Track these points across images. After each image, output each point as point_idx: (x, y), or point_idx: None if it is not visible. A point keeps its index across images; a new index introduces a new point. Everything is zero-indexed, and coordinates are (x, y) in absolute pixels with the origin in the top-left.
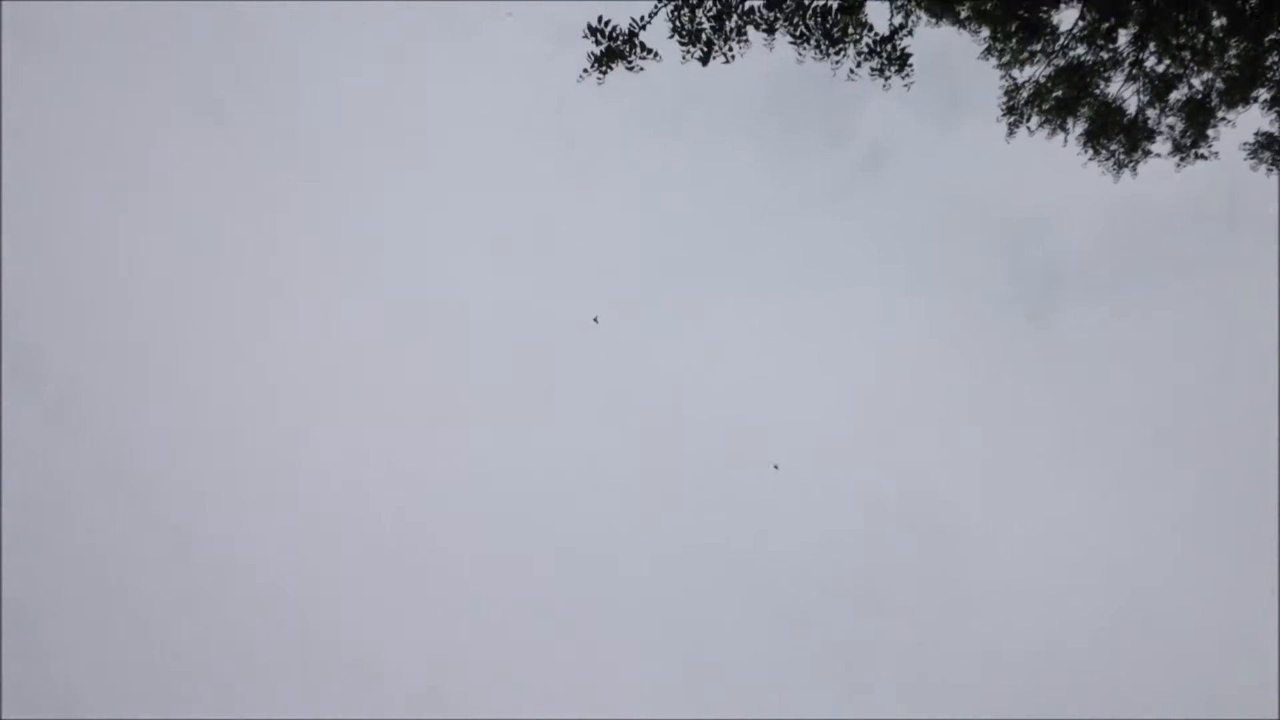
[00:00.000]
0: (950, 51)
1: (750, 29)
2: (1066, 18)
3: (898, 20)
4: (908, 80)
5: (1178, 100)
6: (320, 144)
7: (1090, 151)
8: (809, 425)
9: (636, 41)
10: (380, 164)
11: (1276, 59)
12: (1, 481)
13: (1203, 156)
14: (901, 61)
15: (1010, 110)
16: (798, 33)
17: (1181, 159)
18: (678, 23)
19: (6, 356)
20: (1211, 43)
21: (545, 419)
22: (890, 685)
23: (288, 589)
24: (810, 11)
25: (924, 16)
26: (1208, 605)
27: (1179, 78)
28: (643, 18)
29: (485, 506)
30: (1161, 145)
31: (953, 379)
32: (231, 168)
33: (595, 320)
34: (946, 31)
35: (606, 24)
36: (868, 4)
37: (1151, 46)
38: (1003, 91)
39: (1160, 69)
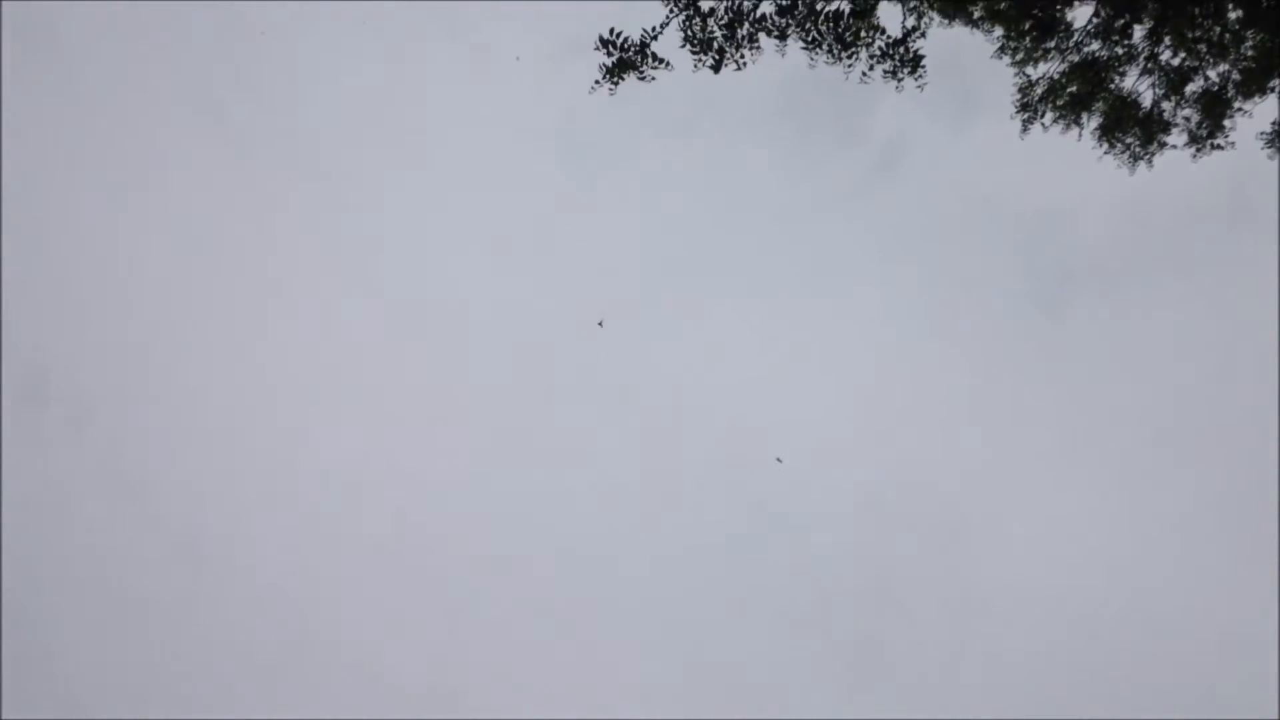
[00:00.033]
0: (963, 51)
1: (762, 36)
2: (1080, 14)
3: (910, 22)
4: (921, 82)
5: (1194, 92)
6: (320, 144)
7: (1105, 145)
8: (813, 425)
9: (648, 52)
10: (380, 164)
11: None
12: (1, 480)
13: (1219, 147)
14: (914, 63)
15: (1024, 107)
16: (810, 38)
17: (1198, 150)
18: (689, 32)
19: (6, 356)
20: (1228, 35)
21: (545, 419)
22: (890, 685)
23: (287, 589)
24: (822, 17)
25: (936, 18)
26: (1208, 605)
27: (1195, 70)
28: (654, 28)
29: (485, 506)
30: (1177, 137)
31: (964, 378)
32: (231, 168)
33: (600, 324)
34: (959, 31)
35: (618, 35)
36: (880, 7)
37: (1167, 40)
38: (1016, 89)
39: (1176, 62)
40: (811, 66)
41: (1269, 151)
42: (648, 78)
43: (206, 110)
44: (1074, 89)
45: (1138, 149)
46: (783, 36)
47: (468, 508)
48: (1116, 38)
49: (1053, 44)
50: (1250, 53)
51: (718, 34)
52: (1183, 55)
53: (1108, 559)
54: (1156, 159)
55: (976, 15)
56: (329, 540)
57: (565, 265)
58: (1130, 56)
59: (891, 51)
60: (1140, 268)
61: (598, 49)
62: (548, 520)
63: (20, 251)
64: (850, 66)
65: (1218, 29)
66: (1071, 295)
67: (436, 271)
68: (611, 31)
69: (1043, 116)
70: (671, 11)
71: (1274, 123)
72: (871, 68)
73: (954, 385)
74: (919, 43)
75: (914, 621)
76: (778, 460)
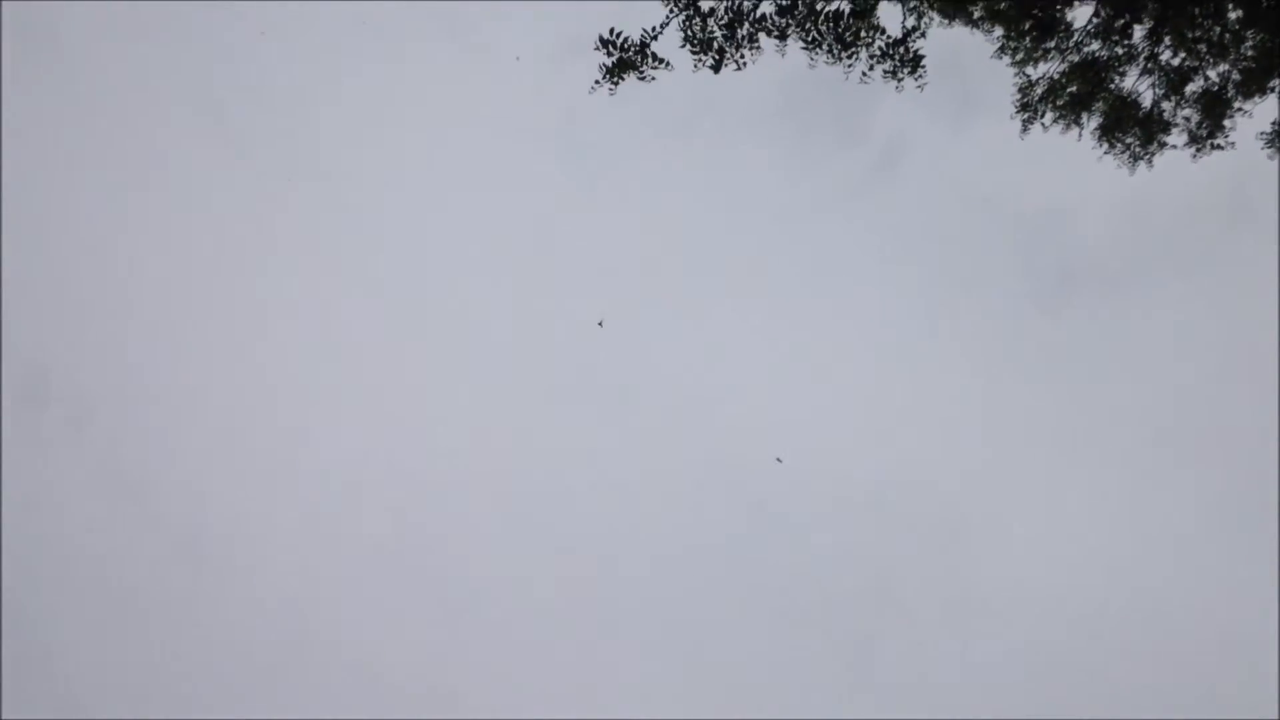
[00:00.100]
0: (962, 51)
1: (762, 36)
2: (1080, 14)
3: (910, 22)
4: (921, 82)
5: (1194, 92)
6: (320, 144)
7: (1105, 145)
8: (813, 425)
9: (648, 52)
10: (380, 164)
11: None
12: (1, 480)
13: (1219, 147)
14: (914, 63)
15: (1024, 107)
16: (810, 38)
17: (1198, 150)
18: (689, 32)
19: (6, 356)
20: (1228, 35)
21: (545, 419)
22: (891, 685)
23: (287, 589)
24: (822, 17)
25: (936, 18)
26: (1208, 605)
27: (1195, 70)
28: (654, 28)
29: (485, 506)
30: (1177, 137)
31: (964, 378)
32: (231, 167)
33: (600, 324)
34: (959, 31)
35: (618, 35)
36: (879, 7)
37: (1167, 40)
38: (1016, 89)
39: (1176, 62)
40: (811, 66)
41: (1269, 151)
42: (648, 78)
43: (206, 110)
44: (1074, 89)
45: (1138, 149)
46: (783, 36)
47: (468, 508)
48: (1116, 38)
49: (1053, 44)
50: (1250, 53)
51: (718, 34)
52: (1183, 55)
53: (1108, 559)
54: (1156, 159)
55: (976, 15)
56: (329, 540)
57: (565, 265)
58: (1130, 56)
59: (891, 51)
60: (1140, 267)
61: (598, 49)
62: (548, 520)
63: (20, 251)
64: (850, 66)
65: (1218, 29)
66: (1071, 295)
67: (436, 271)
68: (611, 31)
69: (1043, 116)
70: (671, 11)
71: (1274, 123)
72: (871, 68)
73: (954, 385)
74: (919, 43)
75: (914, 621)
76: (778, 460)
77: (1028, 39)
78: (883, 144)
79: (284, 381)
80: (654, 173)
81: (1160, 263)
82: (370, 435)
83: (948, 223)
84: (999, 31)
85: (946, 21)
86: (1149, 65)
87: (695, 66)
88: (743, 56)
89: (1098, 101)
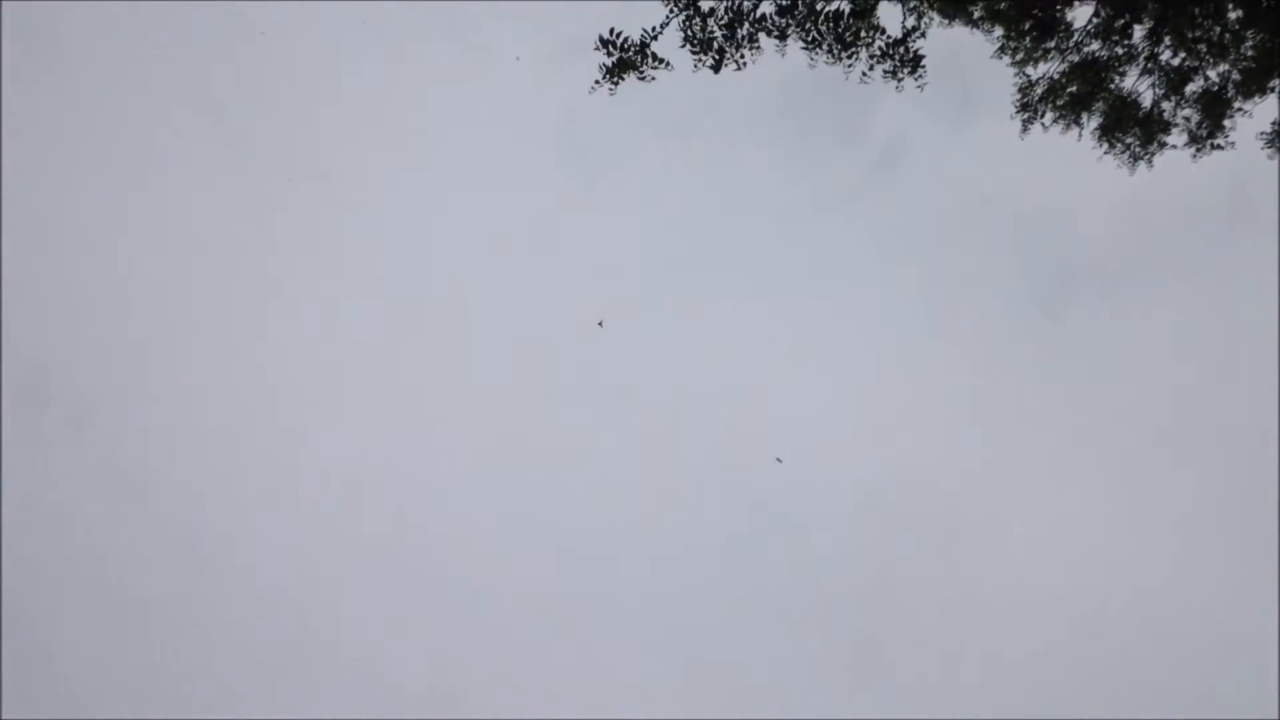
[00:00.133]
0: (962, 51)
1: (762, 36)
2: (1080, 14)
3: (910, 22)
4: (921, 82)
5: (1194, 92)
6: (320, 144)
7: (1105, 145)
8: (813, 425)
9: (648, 52)
10: (380, 164)
11: None
12: (1, 480)
13: (1219, 147)
14: (914, 63)
15: (1024, 107)
16: (810, 38)
17: (1198, 150)
18: (689, 32)
19: (6, 356)
20: (1228, 35)
21: (545, 419)
22: (891, 685)
23: (287, 589)
24: (822, 17)
25: (936, 18)
26: (1208, 605)
27: (1195, 70)
28: (654, 28)
29: (485, 506)
30: (1177, 137)
31: (964, 378)
32: (231, 168)
33: (600, 324)
34: (959, 31)
35: (618, 35)
36: (879, 7)
37: (1167, 40)
38: (1016, 89)
39: (1176, 62)
40: (811, 67)
41: (1269, 151)
42: (648, 78)
43: (206, 110)
44: (1074, 89)
45: (1138, 149)
46: (783, 36)
47: (468, 508)
48: (1116, 38)
49: (1053, 44)
50: (1250, 53)
51: (718, 34)
52: (1183, 55)
53: (1108, 559)
54: (1156, 159)
55: (976, 15)
56: (329, 540)
57: (565, 265)
58: (1130, 56)
59: (891, 51)
60: (1140, 268)
61: (597, 49)
62: (548, 520)
63: (20, 251)
64: (850, 66)
65: (1218, 29)
66: (1071, 295)
67: (436, 271)
68: (611, 31)
69: (1043, 116)
70: (671, 11)
71: (1274, 123)
72: (871, 68)
73: (954, 385)
74: (919, 43)
75: (914, 621)
76: (778, 460)
77: (1028, 39)
78: (883, 144)
79: (284, 381)
80: (654, 173)
81: (1160, 263)
82: (370, 435)
83: (948, 223)
84: (999, 31)
85: (946, 21)
86: (1149, 65)
87: (695, 67)
88: (743, 57)
89: (1098, 101)
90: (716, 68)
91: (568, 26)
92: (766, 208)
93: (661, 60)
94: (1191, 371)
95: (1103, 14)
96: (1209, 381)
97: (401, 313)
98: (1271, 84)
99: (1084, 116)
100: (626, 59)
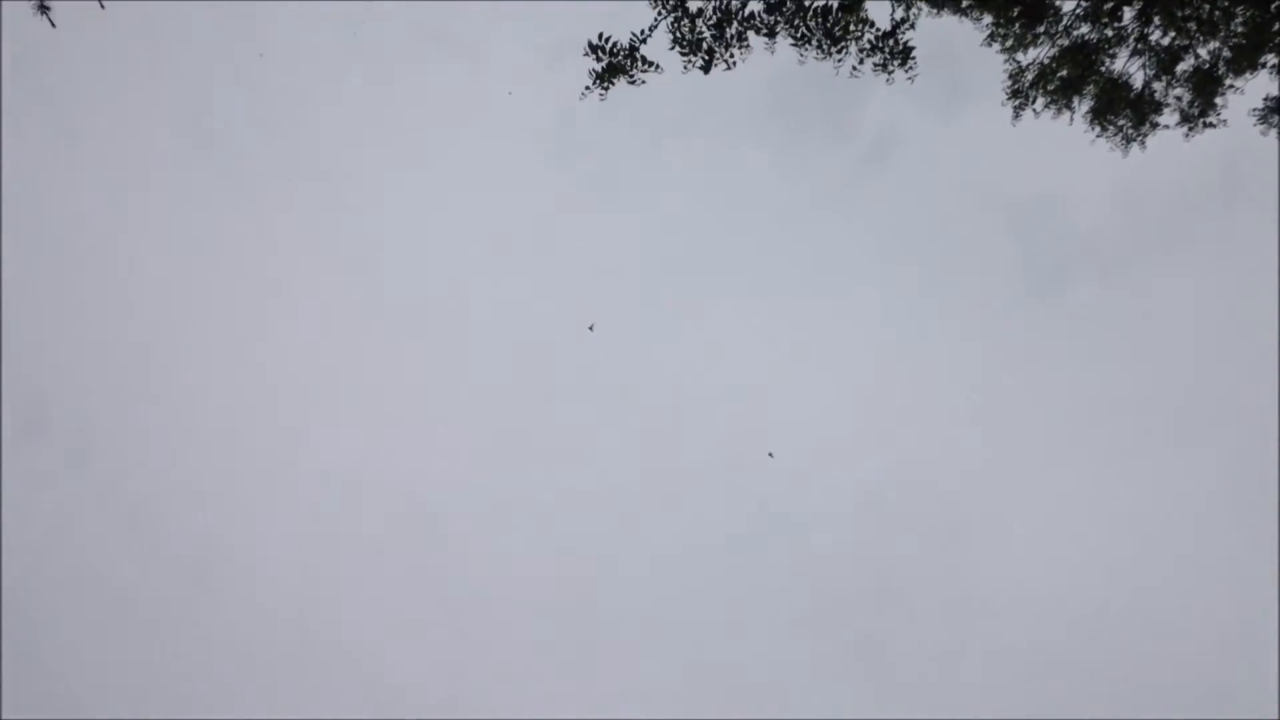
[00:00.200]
0: (952, 39)
1: (751, 34)
2: None
3: (899, 14)
4: (911, 73)
5: (1184, 71)
6: (320, 144)
7: (1098, 128)
8: (813, 425)
9: (637, 55)
10: (380, 164)
11: None
12: (1, 480)
13: (1211, 125)
14: (904, 55)
15: (1015, 94)
16: (799, 34)
17: (1190, 129)
18: (678, 33)
19: (6, 354)
20: (1218, 12)
21: (545, 419)
22: (891, 685)
23: (288, 588)
24: (811, 12)
25: (925, 8)
26: (1208, 605)
27: (1185, 49)
28: (643, 31)
29: (485, 506)
30: (1169, 117)
31: (963, 375)
32: (231, 168)
33: (590, 329)
34: (948, 20)
35: (607, 40)
36: (867, 0)
37: (1156, 20)
38: (1007, 75)
39: (1166, 42)
40: (801, 63)
41: (1262, 128)
42: (638, 81)
43: (206, 110)
44: (1064, 73)
45: (1130, 130)
46: (771, 34)
47: (468, 508)
48: (1106, 20)
49: (1042, 29)
50: (1240, 29)
51: (706, 34)
52: (1173, 34)
53: (1108, 558)
54: (1149, 140)
55: (965, 3)
56: (329, 540)
57: (565, 265)
58: (1120, 38)
59: (881, 44)
60: (1137, 251)
61: (586, 55)
62: (548, 520)
63: (20, 251)
64: (840, 61)
65: (1207, 6)
66: (1067, 283)
67: (436, 271)
68: (600, 36)
69: (1034, 102)
70: (660, 14)
71: (1266, 99)
72: (861, 61)
73: (952, 381)
74: (908, 34)
75: (915, 621)
76: (769, 455)
77: (1017, 25)
78: (874, 137)
79: (284, 382)
80: (652, 173)
81: (1156, 245)
82: (370, 435)
83: (941, 214)
84: (988, 19)
85: (935, 11)
86: (1139, 46)
87: (685, 68)
88: (732, 56)
89: (1089, 85)
90: (706, 68)
91: (567, 26)
92: (762, 206)
93: (651, 63)
94: (1191, 359)
95: None
96: (1209, 370)
97: (401, 313)
98: (1263, 60)
99: (1075, 100)
100: (616, 63)
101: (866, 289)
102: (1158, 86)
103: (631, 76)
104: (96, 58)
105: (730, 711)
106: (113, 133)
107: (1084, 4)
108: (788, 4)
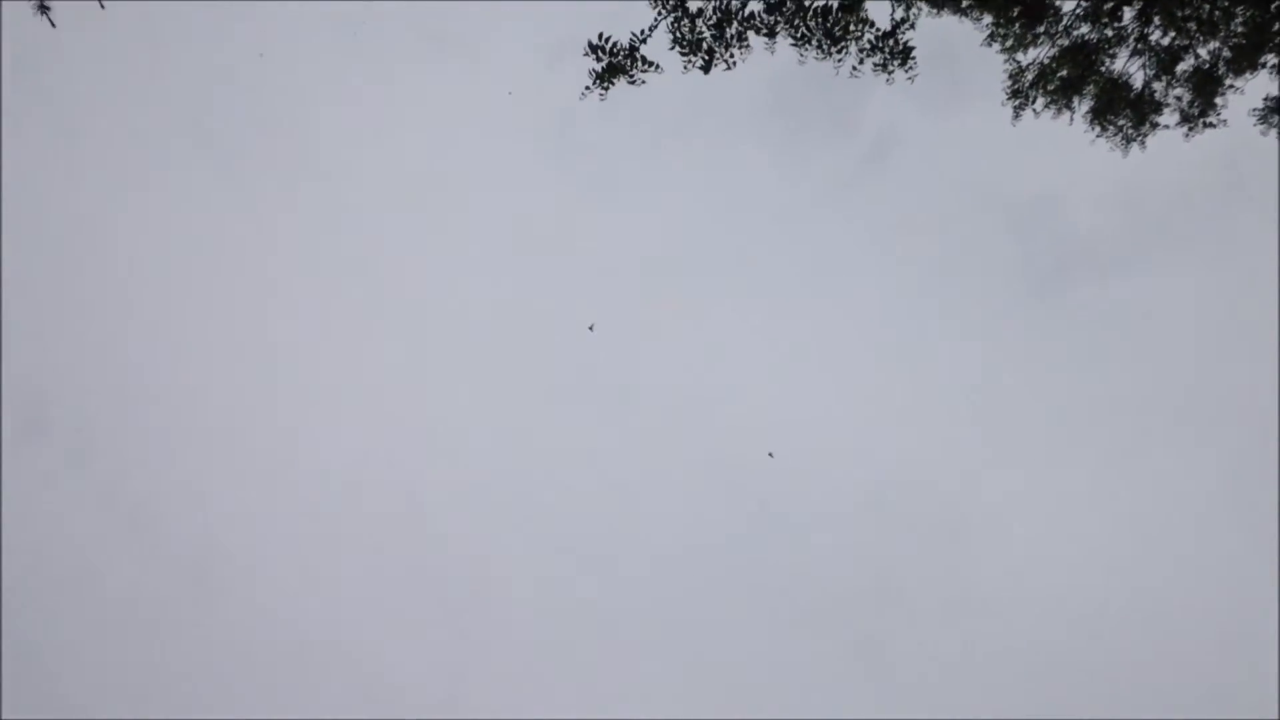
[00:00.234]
0: (952, 39)
1: (751, 34)
2: None
3: (899, 14)
4: (911, 73)
5: (1184, 71)
6: (320, 144)
7: (1098, 128)
8: (811, 423)
9: (637, 55)
10: (380, 164)
11: None
12: (2, 479)
13: (1211, 125)
14: (904, 55)
15: (1015, 94)
16: (799, 34)
17: (1190, 129)
18: (678, 33)
19: (6, 354)
20: (1218, 12)
21: (545, 419)
22: (891, 685)
23: (288, 588)
24: (811, 12)
25: (925, 8)
26: (1208, 604)
27: (1185, 49)
28: (643, 31)
29: (485, 506)
30: (1169, 117)
31: (961, 373)
32: (231, 168)
33: (590, 329)
34: (948, 20)
35: (607, 40)
36: (867, 0)
37: (1156, 20)
38: (1007, 75)
39: (1166, 42)
40: (801, 63)
41: (1262, 128)
42: (638, 81)
43: (205, 111)
44: (1064, 73)
45: (1130, 130)
46: (771, 34)
47: (468, 508)
48: (1106, 20)
49: (1042, 29)
50: (1240, 29)
51: (706, 34)
52: (1173, 34)
53: (1108, 558)
54: (1149, 139)
55: (965, 3)
56: (328, 540)
57: (565, 265)
58: (1120, 38)
59: (881, 44)
60: (1137, 250)
61: (586, 55)
62: (548, 520)
63: (20, 251)
64: (840, 61)
65: (1207, 6)
66: (1067, 282)
67: (436, 271)
68: (600, 36)
69: (1034, 102)
70: (660, 14)
71: (1266, 99)
72: (861, 61)
73: (952, 381)
74: (908, 34)
75: (915, 621)
76: (769, 455)
77: (1017, 25)
78: (874, 137)
79: (284, 382)
80: (652, 173)
81: (1156, 244)
82: (370, 435)
83: (941, 214)
84: (988, 19)
85: (935, 11)
86: (1139, 46)
87: (685, 68)
88: (732, 56)
89: (1089, 85)
90: (706, 68)
91: (567, 26)
92: (762, 206)
93: (651, 63)
94: (1191, 359)
95: None
96: (1209, 370)
97: (401, 313)
98: (1263, 60)
99: (1075, 100)
100: (616, 64)
101: (866, 289)
102: (1158, 86)
103: (631, 76)
104: (96, 58)
105: (730, 711)
106: (113, 133)
107: (1084, 4)
108: (788, 4)
